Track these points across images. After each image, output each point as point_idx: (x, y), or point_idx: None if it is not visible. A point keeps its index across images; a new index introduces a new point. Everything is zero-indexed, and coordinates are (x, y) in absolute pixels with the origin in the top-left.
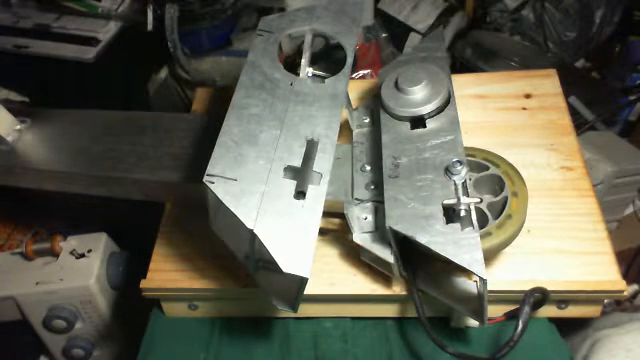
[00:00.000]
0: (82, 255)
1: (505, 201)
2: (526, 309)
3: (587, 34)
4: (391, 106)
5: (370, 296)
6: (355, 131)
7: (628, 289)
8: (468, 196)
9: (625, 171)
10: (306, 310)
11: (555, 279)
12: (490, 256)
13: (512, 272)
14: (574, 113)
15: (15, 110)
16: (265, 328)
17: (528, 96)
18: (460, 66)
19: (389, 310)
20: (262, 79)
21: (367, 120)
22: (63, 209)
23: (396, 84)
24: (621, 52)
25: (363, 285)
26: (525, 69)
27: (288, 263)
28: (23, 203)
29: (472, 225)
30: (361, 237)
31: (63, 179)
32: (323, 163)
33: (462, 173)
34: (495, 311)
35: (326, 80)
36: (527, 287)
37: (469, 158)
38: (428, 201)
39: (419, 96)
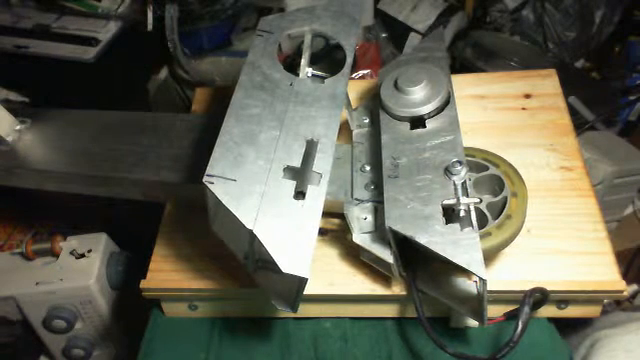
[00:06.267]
0: (82, 255)
1: (505, 201)
2: (526, 309)
3: (587, 34)
4: (391, 106)
5: (370, 296)
6: (355, 131)
7: (628, 289)
8: (468, 196)
9: (625, 171)
10: (306, 310)
11: (555, 279)
12: (490, 256)
13: (512, 272)
14: (574, 113)
15: (15, 110)
16: (265, 328)
17: (528, 96)
18: (460, 66)
19: (389, 310)
20: (262, 79)
21: (367, 120)
22: (63, 209)
23: (396, 84)
24: (621, 52)
25: (363, 285)
26: (525, 69)
27: (288, 263)
28: (23, 203)
29: (472, 225)
30: (361, 237)
31: (63, 179)
32: (323, 163)
33: (462, 173)
34: (495, 311)
35: (326, 80)
36: (527, 287)
37: (469, 158)
38: (427, 201)
39: (419, 96)
